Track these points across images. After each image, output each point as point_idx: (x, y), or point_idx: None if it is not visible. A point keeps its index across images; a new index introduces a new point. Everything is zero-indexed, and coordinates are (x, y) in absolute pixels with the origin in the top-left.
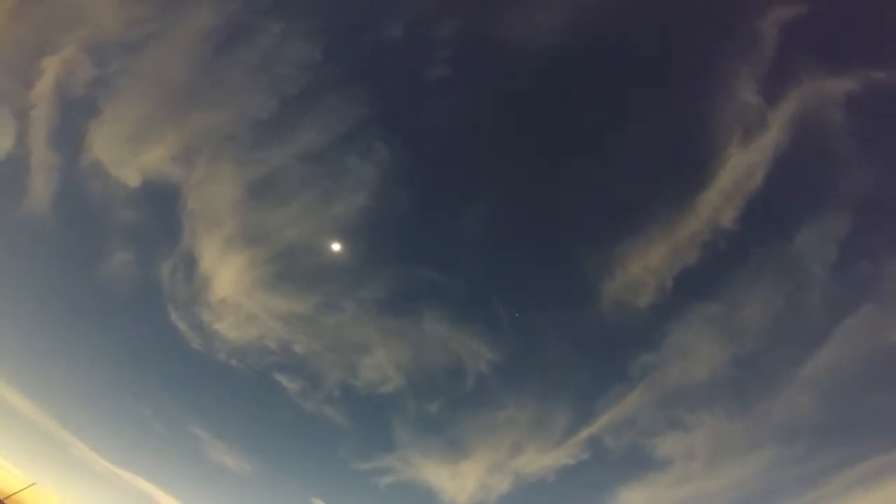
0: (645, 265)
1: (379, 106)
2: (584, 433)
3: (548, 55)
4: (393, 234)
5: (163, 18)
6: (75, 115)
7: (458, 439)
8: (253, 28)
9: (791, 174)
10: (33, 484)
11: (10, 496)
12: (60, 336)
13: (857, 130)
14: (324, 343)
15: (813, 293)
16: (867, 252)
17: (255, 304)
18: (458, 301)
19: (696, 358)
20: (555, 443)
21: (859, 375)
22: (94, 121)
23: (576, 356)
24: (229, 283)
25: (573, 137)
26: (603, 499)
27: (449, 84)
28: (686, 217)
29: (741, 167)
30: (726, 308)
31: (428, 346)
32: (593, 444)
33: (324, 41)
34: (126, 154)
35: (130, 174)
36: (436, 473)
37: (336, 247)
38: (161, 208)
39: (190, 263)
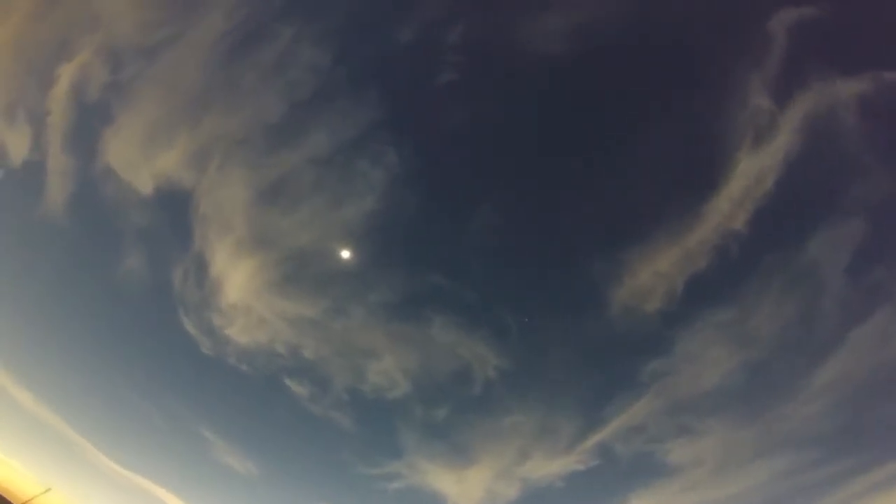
0: (654, 271)
1: (389, 110)
2: (592, 440)
3: (557, 60)
4: (402, 238)
5: (177, 23)
6: (90, 120)
7: (465, 445)
8: (265, 32)
9: (802, 178)
10: (49, 490)
11: (26, 502)
12: (73, 339)
13: (868, 132)
14: (332, 348)
15: (825, 300)
16: (881, 257)
17: (265, 309)
18: (466, 307)
19: (705, 365)
20: (563, 449)
21: (871, 383)
22: (109, 126)
23: (584, 362)
24: (240, 287)
25: (582, 142)
26: (617, 501)
27: (459, 89)
28: (696, 223)
29: (752, 171)
30: (737, 314)
31: (436, 352)
32: (602, 450)
33: (335, 45)
34: (139, 159)
35: (143, 179)
36: (443, 479)
37: (345, 251)
38: (173, 212)
39: (201, 267)
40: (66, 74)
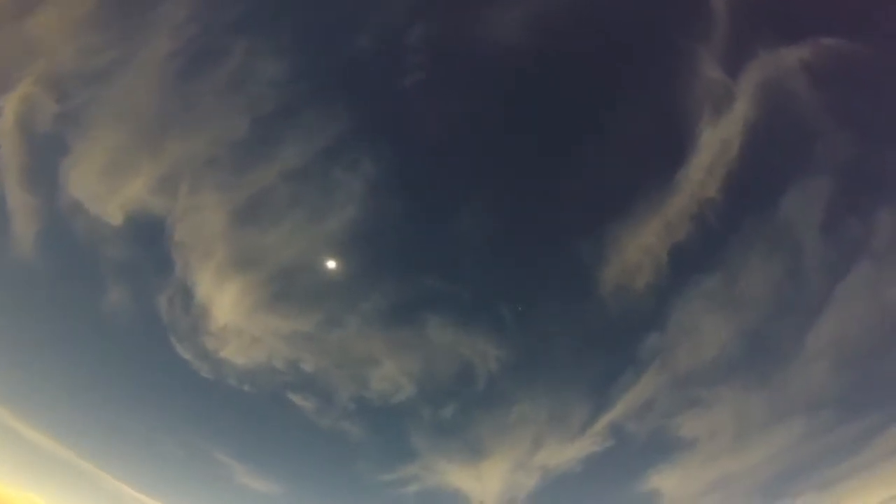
0: (639, 245)
1: (357, 117)
2: (603, 421)
3: (515, 51)
4: (387, 243)
5: (121, 45)
6: (45, 153)
7: (477, 441)
8: (215, 48)
9: (765, 143)
10: None
11: None
12: (70, 376)
13: (817, 97)
14: (331, 359)
15: (806, 257)
16: (853, 210)
17: (258, 328)
18: (459, 304)
19: (702, 334)
20: (575, 433)
21: (867, 336)
22: (66, 157)
23: (583, 345)
24: (229, 309)
25: (552, 130)
26: (634, 483)
27: (424, 89)
28: (671, 194)
29: (716, 141)
30: (724, 280)
31: (435, 352)
32: (615, 430)
33: (292, 56)
34: (104, 190)
35: (112, 211)
36: (460, 477)
37: (332, 263)
38: (148, 242)
39: (186, 294)
40: (9, 106)
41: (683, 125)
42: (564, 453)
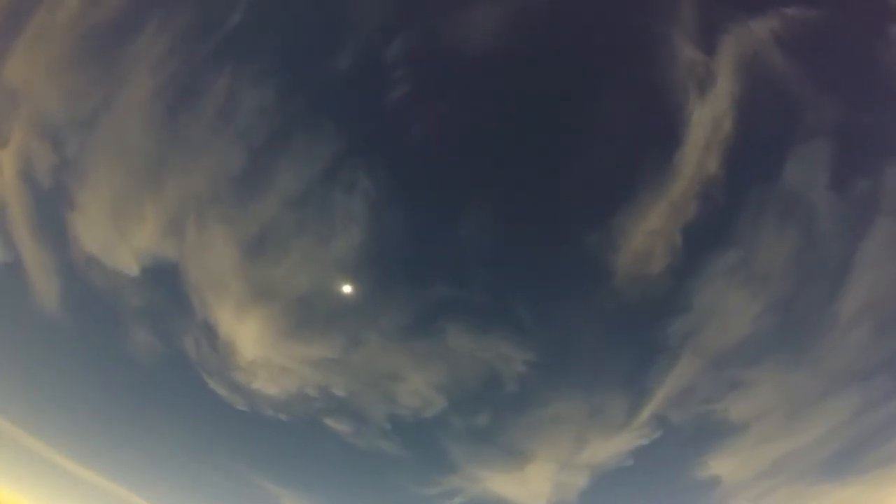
0: (648, 230)
1: (348, 136)
2: (645, 412)
3: (498, 52)
4: (395, 258)
5: (102, 87)
6: (51, 206)
7: (516, 445)
8: (198, 83)
9: (755, 115)
10: None
11: None
12: (110, 421)
13: (795, 63)
14: (360, 380)
15: (821, 221)
16: (858, 169)
17: (284, 357)
18: (475, 309)
19: (729, 313)
20: (618, 428)
21: None
22: (72, 210)
23: (609, 337)
24: (253, 342)
25: (545, 129)
26: (690, 472)
27: (412, 99)
28: (673, 176)
29: (707, 120)
30: (742, 255)
31: (459, 361)
32: (659, 421)
33: (276, 83)
34: (115, 239)
35: (126, 259)
36: (503, 483)
37: (345, 284)
38: (166, 286)
39: (210, 332)
40: (7, 161)
41: (672, 108)
42: (610, 449)
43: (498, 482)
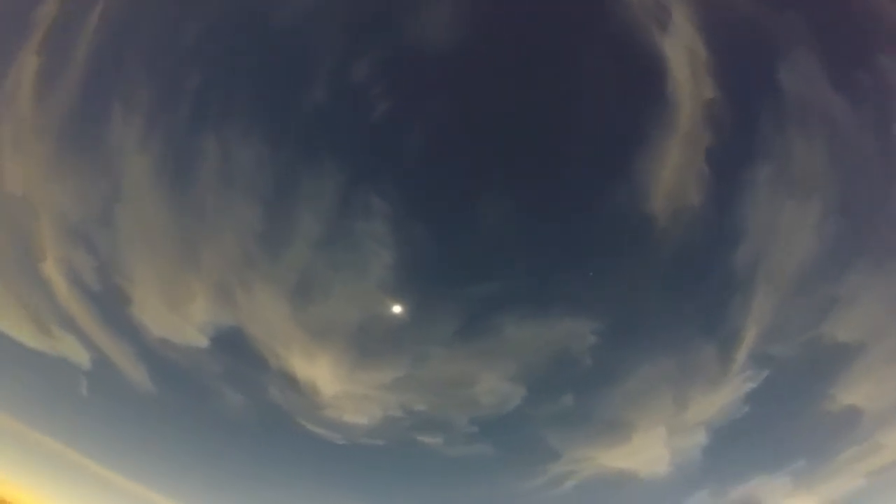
0: (672, 166)
1: (348, 165)
2: (741, 356)
3: (467, 41)
4: (431, 267)
5: (103, 180)
6: (109, 303)
7: (613, 418)
8: (189, 154)
9: (728, 36)
10: None
11: None
12: (222, 481)
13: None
14: (435, 392)
15: (844, 117)
16: (859, 63)
17: (361, 386)
18: (524, 296)
19: (788, 228)
20: (718, 379)
21: None
22: (128, 303)
23: (671, 286)
24: (331, 379)
25: (536, 102)
26: (820, 405)
27: (398, 110)
28: (674, 109)
29: (681, 50)
30: (775, 166)
31: (525, 350)
32: (761, 360)
33: (260, 134)
34: (176, 320)
35: (192, 334)
36: (615, 457)
37: (395, 305)
38: (236, 348)
39: (290, 380)
40: (51, 272)
41: (643, 47)
42: (718, 401)
43: (609, 457)
